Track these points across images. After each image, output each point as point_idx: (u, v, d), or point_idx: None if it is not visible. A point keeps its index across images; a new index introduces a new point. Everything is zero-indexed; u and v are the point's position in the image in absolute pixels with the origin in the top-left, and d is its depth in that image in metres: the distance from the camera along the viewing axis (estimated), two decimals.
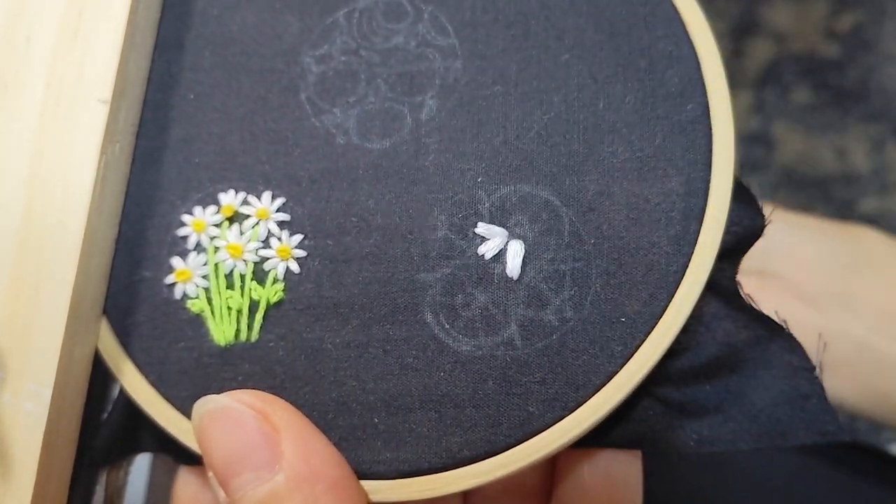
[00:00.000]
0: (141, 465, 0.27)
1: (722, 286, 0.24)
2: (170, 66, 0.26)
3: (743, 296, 0.24)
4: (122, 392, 0.25)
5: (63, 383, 0.23)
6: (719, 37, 0.23)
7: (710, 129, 0.24)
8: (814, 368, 0.24)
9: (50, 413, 0.22)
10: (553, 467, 0.27)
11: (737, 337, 0.24)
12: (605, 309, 0.23)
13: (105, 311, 0.25)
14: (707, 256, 0.23)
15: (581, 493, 0.25)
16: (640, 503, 0.25)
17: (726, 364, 0.24)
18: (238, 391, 0.23)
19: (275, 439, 0.21)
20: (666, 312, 0.23)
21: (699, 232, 0.23)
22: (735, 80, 0.64)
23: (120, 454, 0.26)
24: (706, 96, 0.24)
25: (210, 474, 0.22)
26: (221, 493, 0.21)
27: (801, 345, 0.24)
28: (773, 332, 0.24)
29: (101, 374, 0.25)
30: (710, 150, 0.23)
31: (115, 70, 0.24)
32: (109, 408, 0.25)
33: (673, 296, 0.23)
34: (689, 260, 0.23)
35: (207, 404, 0.22)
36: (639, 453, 0.25)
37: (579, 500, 0.25)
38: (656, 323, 0.23)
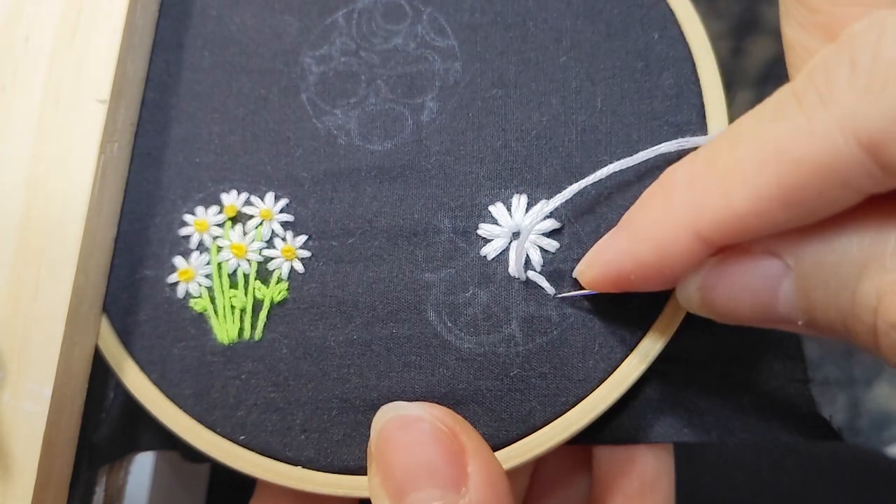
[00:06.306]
0: (143, 465, 0.27)
1: None
2: (168, 66, 0.26)
3: None
4: (120, 391, 0.25)
5: (63, 383, 0.23)
6: (720, 36, 0.23)
7: (706, 129, 0.24)
8: (808, 381, 0.24)
9: (50, 412, 0.22)
10: (535, 468, 0.27)
11: (733, 339, 0.24)
12: (606, 306, 0.23)
13: (106, 310, 0.25)
14: None
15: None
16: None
17: (722, 362, 0.24)
18: (425, 404, 0.22)
19: (462, 460, 0.20)
20: (665, 308, 0.23)
21: None
22: (736, 79, 0.64)
23: (119, 453, 0.26)
24: (702, 97, 0.24)
25: (375, 483, 0.20)
26: None
27: (801, 355, 0.24)
28: (769, 339, 0.24)
29: (100, 374, 0.25)
30: None
31: (113, 70, 0.24)
32: (108, 406, 0.25)
33: (672, 291, 0.23)
34: None
35: (397, 410, 0.21)
36: (671, 453, 0.25)
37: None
38: (656, 318, 0.23)
